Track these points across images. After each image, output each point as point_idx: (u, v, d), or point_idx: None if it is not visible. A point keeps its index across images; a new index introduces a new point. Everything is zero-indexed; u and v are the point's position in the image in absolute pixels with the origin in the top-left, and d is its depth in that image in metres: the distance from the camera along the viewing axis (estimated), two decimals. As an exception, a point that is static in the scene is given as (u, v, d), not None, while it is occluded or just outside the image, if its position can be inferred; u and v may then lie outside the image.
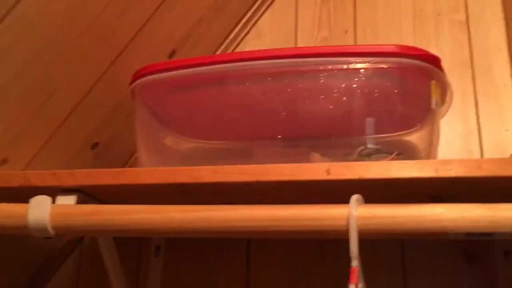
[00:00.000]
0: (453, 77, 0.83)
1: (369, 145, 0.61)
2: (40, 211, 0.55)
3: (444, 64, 0.84)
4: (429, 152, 0.62)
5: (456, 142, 0.81)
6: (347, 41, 0.90)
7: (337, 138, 0.62)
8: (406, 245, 0.76)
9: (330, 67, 0.59)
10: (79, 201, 0.59)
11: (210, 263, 0.82)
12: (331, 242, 0.76)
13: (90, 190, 0.60)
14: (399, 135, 0.64)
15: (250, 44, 0.94)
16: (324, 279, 0.77)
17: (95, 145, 0.79)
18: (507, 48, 0.84)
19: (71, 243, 0.88)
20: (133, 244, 0.85)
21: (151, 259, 0.83)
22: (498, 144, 0.79)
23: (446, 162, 0.51)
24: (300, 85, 0.61)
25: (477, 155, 0.79)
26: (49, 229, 0.54)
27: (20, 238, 0.58)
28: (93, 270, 0.86)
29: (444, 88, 0.63)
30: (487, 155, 0.79)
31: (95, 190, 0.60)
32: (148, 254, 0.84)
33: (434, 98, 0.60)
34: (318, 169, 0.53)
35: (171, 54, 0.83)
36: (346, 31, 0.91)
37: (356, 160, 0.61)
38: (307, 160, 0.56)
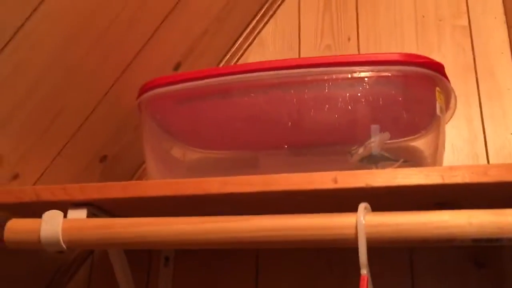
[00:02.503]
0: (456, 82, 0.83)
1: (383, 153, 0.61)
2: (52, 225, 0.56)
3: (447, 69, 0.85)
4: (435, 158, 0.62)
5: (462, 146, 0.81)
6: (350, 49, 0.91)
7: (342, 145, 0.62)
8: (414, 251, 0.76)
9: (334, 76, 0.60)
10: (90, 215, 0.59)
11: (219, 273, 0.82)
12: (338, 251, 0.76)
13: (100, 204, 0.61)
14: (405, 141, 0.64)
15: (253, 54, 0.95)
16: (333, 288, 0.78)
17: (103, 158, 0.80)
18: (510, 52, 0.84)
19: (82, 255, 0.89)
20: (143, 256, 0.86)
21: (161, 270, 0.84)
22: (503, 147, 0.79)
23: (452, 168, 0.51)
24: (305, 95, 0.62)
25: (483, 159, 0.80)
26: (62, 243, 0.55)
27: (31, 252, 0.59)
28: (104, 283, 0.86)
29: (448, 94, 0.63)
30: (493, 158, 0.79)
31: (105, 203, 0.60)
32: (157, 265, 0.84)
33: (439, 105, 0.60)
34: (325, 178, 0.54)
35: (176, 67, 0.84)
36: (349, 39, 0.92)
37: (360, 161, 0.61)
38: (313, 168, 0.56)
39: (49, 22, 0.59)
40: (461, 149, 0.81)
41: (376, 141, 0.60)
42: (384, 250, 0.76)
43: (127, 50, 0.72)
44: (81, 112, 0.71)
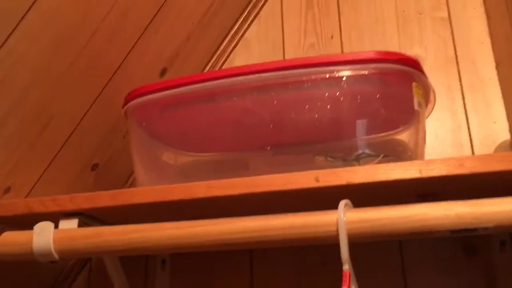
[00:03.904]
0: (439, 74, 0.85)
1: (366, 150, 0.63)
2: (44, 236, 0.57)
3: (429, 62, 0.86)
4: (416, 152, 0.63)
5: (447, 137, 0.82)
6: (333, 46, 0.92)
7: (323, 144, 0.64)
8: (404, 244, 0.78)
9: (313, 77, 0.61)
10: (81, 224, 0.61)
11: (216, 273, 0.84)
12: (332, 248, 0.77)
13: (91, 213, 0.62)
14: (385, 136, 0.65)
15: (239, 56, 0.97)
16: (327, 282, 0.79)
17: (95, 167, 0.81)
18: (490, 41, 0.85)
19: (80, 262, 0.90)
20: (139, 260, 0.87)
21: (157, 273, 0.85)
22: (487, 136, 0.81)
23: (429, 162, 0.53)
24: (285, 96, 0.63)
25: (467, 148, 0.81)
26: (54, 253, 0.57)
27: (27, 262, 0.61)
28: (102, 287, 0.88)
29: (426, 88, 0.64)
30: (477, 148, 0.80)
31: (95, 212, 0.62)
32: (154, 268, 0.86)
33: (416, 99, 0.62)
34: (307, 177, 0.55)
35: (162, 72, 0.85)
36: (332, 37, 0.93)
37: (349, 164, 0.62)
38: (298, 167, 0.57)
39: (31, 36, 0.60)
40: (445, 140, 0.82)
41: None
42: (374, 244, 0.77)
43: (111, 58, 0.74)
44: (70, 121, 0.73)
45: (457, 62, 0.86)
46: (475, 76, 0.84)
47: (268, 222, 0.53)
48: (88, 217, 0.63)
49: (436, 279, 0.75)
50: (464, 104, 0.83)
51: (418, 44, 0.88)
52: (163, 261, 0.86)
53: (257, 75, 0.62)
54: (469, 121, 0.82)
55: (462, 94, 0.84)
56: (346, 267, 0.49)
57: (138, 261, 0.87)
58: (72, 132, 0.74)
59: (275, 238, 0.52)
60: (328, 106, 0.62)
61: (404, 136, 0.64)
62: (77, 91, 0.71)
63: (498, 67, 0.82)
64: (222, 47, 0.96)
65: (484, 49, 0.85)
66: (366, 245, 0.75)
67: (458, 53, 0.86)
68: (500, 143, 0.69)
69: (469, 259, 0.75)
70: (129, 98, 0.69)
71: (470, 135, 0.82)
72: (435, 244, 0.77)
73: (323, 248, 0.80)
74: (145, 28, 0.76)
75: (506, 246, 0.73)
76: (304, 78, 0.61)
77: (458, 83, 0.85)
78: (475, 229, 0.48)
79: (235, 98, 0.66)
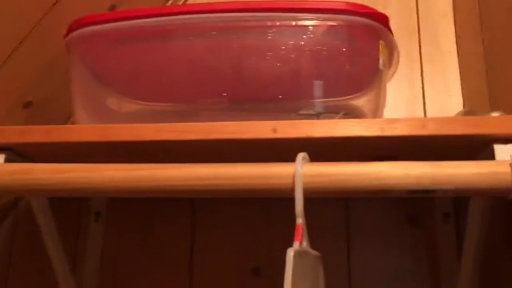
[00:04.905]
0: (400, 43, 0.82)
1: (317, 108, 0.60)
2: (-38, 170, 0.50)
3: (392, 30, 0.84)
4: (375, 115, 0.62)
5: (402, 107, 0.82)
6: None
7: (284, 101, 0.60)
8: (350, 208, 0.77)
9: (278, 23, 0.57)
10: (8, 161, 0.55)
11: (154, 226, 0.80)
12: (276, 202, 0.75)
13: (20, 149, 0.56)
14: (347, 98, 0.63)
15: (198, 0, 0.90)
16: (270, 239, 0.77)
17: (27, 104, 0.73)
18: (453, 15, 0.85)
19: (5, 209, 0.83)
20: (72, 211, 0.81)
21: (91, 225, 0.80)
22: (442, 109, 0.81)
23: (392, 121, 0.51)
24: (247, 42, 0.59)
25: (421, 120, 0.81)
26: (-27, 189, 0.50)
27: None
28: (28, 237, 0.81)
29: (391, 49, 0.63)
30: (431, 120, 0.80)
31: (26, 149, 0.56)
32: (87, 220, 0.80)
33: (382, 59, 0.60)
34: (265, 127, 0.52)
35: (111, 8, 0.78)
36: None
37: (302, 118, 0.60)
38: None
39: None
40: (400, 109, 0.81)
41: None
42: (321, 206, 0.76)
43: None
44: (1, 50, 0.64)
45: (419, 33, 0.85)
46: (435, 48, 0.84)
47: (220, 170, 0.49)
48: (17, 154, 0.56)
49: (378, 247, 0.75)
50: (422, 75, 0.83)
51: (382, 10, 0.85)
52: (97, 213, 0.81)
53: (219, 14, 0.57)
54: (425, 92, 0.82)
55: (421, 65, 0.83)
56: (300, 221, 0.46)
57: (70, 212, 0.81)
58: (4, 62, 0.66)
59: (228, 188, 0.49)
60: (292, 57, 0.58)
61: (365, 98, 0.62)
62: (11, 15, 0.63)
63: (458, 40, 0.82)
64: (179, -11, 0.90)
65: (447, 21, 0.85)
66: (313, 208, 0.74)
67: (420, 24, 0.85)
68: (458, 113, 0.69)
69: (413, 229, 0.76)
70: (72, 27, 0.62)
71: (424, 107, 0.81)
72: (381, 212, 0.76)
73: (267, 201, 0.77)
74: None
75: (449, 218, 0.74)
76: (268, 23, 0.57)
77: (418, 54, 0.84)
78: (433, 191, 0.47)
79: (191, 38, 0.60)
